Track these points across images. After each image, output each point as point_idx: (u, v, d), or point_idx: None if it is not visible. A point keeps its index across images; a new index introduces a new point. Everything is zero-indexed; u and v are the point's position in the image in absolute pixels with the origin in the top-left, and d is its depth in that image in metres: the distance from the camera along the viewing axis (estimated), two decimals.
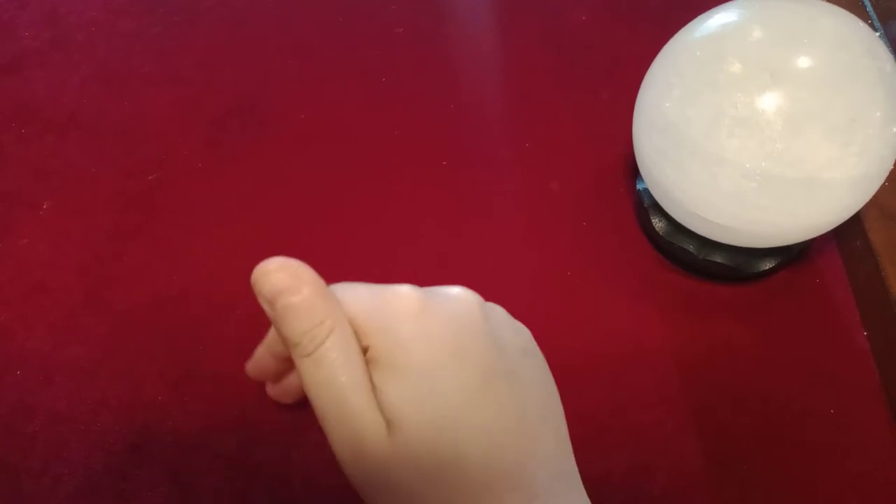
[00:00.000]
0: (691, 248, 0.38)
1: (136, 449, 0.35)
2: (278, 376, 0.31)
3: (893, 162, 0.33)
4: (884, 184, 0.33)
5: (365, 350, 0.24)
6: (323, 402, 0.24)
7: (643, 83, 0.37)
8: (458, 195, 0.44)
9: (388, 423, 0.23)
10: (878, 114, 0.31)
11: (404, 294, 0.24)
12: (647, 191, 0.40)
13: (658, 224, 0.40)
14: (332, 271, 0.42)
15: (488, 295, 0.40)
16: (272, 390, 0.32)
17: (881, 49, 0.32)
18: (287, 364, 0.30)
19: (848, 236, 0.40)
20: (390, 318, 0.24)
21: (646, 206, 0.40)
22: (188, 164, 0.46)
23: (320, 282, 0.25)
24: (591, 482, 0.30)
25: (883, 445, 0.35)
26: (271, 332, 0.29)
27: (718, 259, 0.38)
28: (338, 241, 0.42)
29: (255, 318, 0.39)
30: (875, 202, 0.37)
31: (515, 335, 0.27)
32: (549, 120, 0.48)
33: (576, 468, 0.26)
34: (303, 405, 0.36)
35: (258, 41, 0.53)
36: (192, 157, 0.46)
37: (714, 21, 0.33)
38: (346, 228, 0.43)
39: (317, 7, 0.54)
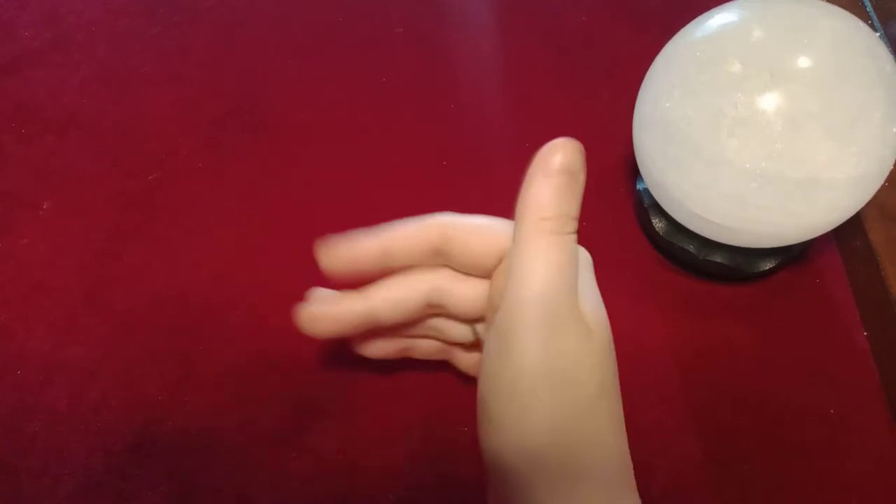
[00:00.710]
0: (691, 248, 0.38)
1: (136, 449, 0.35)
2: (355, 273, 0.29)
3: (893, 162, 0.33)
4: (884, 184, 0.33)
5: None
6: (536, 280, 0.23)
7: (643, 83, 0.37)
8: (458, 195, 0.44)
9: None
10: (878, 114, 0.31)
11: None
12: (647, 191, 0.40)
13: (658, 224, 0.40)
14: None
15: None
16: (364, 346, 0.32)
17: (881, 49, 0.32)
18: (381, 266, 0.29)
19: (848, 236, 0.40)
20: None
21: (646, 206, 0.40)
22: (188, 164, 0.46)
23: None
24: None
25: (883, 445, 0.35)
26: (400, 231, 0.28)
27: (718, 259, 0.38)
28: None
29: (255, 319, 0.39)
30: (875, 202, 0.37)
31: (602, 325, 0.29)
32: (549, 120, 0.48)
33: (631, 467, 0.26)
34: (303, 409, 0.36)
35: (258, 41, 0.53)
36: (192, 157, 0.46)
37: (714, 21, 0.33)
38: (346, 227, 0.43)
39: (317, 7, 0.54)
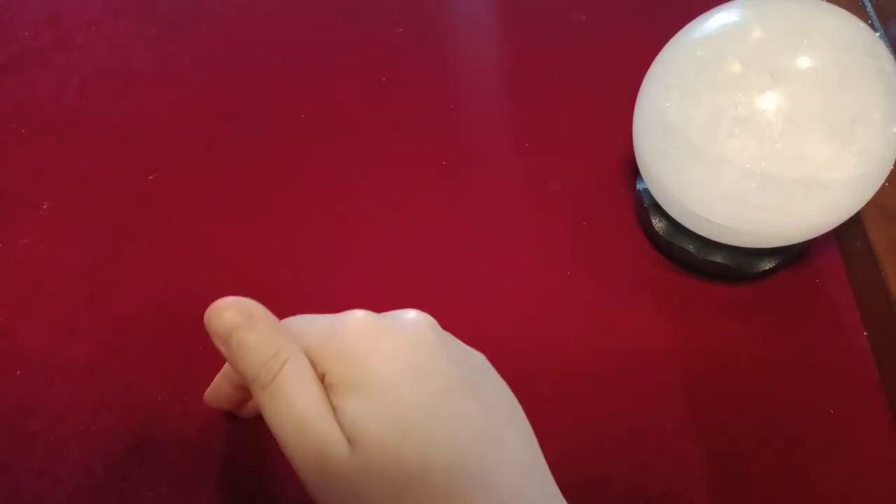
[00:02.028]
0: (691, 248, 0.38)
1: (136, 449, 0.35)
2: (238, 405, 0.33)
3: (893, 162, 0.33)
4: (884, 184, 0.33)
5: (322, 377, 0.25)
6: (284, 429, 0.24)
7: (643, 83, 0.37)
8: (458, 195, 0.44)
9: (351, 441, 0.23)
10: (878, 114, 0.31)
11: (357, 317, 0.25)
12: (647, 191, 0.40)
13: (658, 224, 0.40)
14: (333, 271, 0.42)
15: (489, 295, 0.40)
16: (212, 399, 0.33)
17: (881, 49, 0.32)
18: (245, 392, 0.31)
19: (848, 236, 0.40)
20: (344, 340, 0.25)
21: (646, 206, 0.40)
22: (188, 164, 0.46)
23: (271, 316, 0.26)
24: (591, 483, 0.30)
25: (883, 445, 0.35)
26: (227, 366, 0.30)
27: (718, 259, 0.38)
28: (338, 241, 0.42)
29: None
30: (875, 202, 0.37)
31: (470, 355, 0.27)
32: (549, 120, 0.48)
33: (550, 475, 0.26)
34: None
35: (258, 41, 0.53)
36: (192, 157, 0.46)
37: (714, 21, 0.33)
38: (346, 228, 0.43)
39: (317, 7, 0.54)
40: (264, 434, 0.35)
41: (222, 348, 0.26)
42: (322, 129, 0.47)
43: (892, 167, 0.33)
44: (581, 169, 0.45)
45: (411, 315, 0.26)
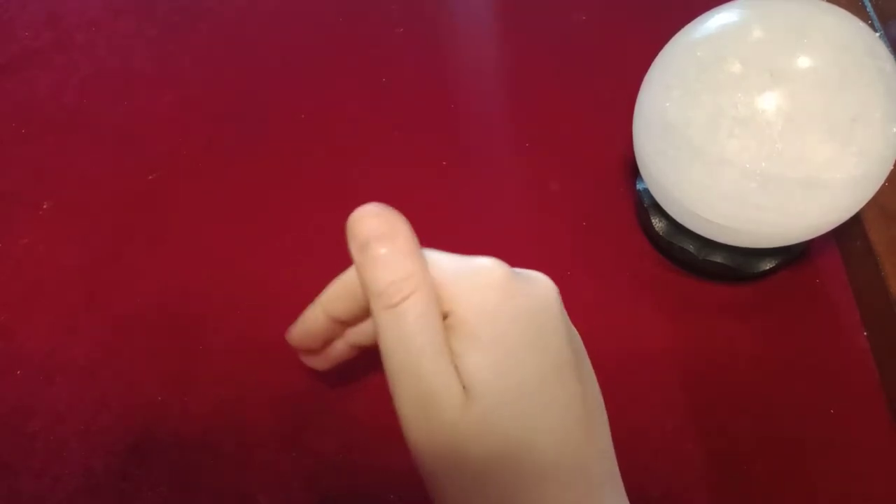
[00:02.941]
0: (691, 248, 0.38)
1: (136, 449, 0.35)
2: (323, 344, 0.31)
3: (893, 162, 0.33)
4: (884, 184, 0.33)
5: (445, 316, 0.23)
6: (398, 358, 0.23)
7: (643, 83, 0.37)
8: (458, 195, 0.44)
9: (467, 390, 0.22)
10: (878, 114, 0.31)
11: (492, 266, 0.24)
12: (647, 191, 0.40)
13: (658, 224, 0.40)
14: (333, 270, 0.42)
15: None
16: (309, 358, 0.31)
17: (881, 49, 0.32)
18: (336, 329, 0.29)
19: (848, 236, 0.40)
20: (477, 286, 0.23)
21: (646, 206, 0.40)
22: (188, 164, 0.46)
23: (414, 237, 0.24)
24: None
25: (883, 445, 0.35)
26: (331, 290, 0.29)
27: (718, 259, 0.38)
28: (338, 240, 0.42)
29: (254, 319, 0.39)
30: (875, 202, 0.37)
31: (577, 335, 0.27)
32: (549, 120, 0.48)
33: (616, 465, 0.26)
34: (304, 393, 0.36)
35: (258, 41, 0.53)
36: (192, 157, 0.46)
37: (714, 21, 0.33)
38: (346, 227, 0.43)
39: (317, 7, 0.54)
40: (264, 435, 0.35)
41: (357, 255, 0.24)
42: (322, 129, 0.47)
43: (892, 167, 0.33)
44: (581, 169, 0.45)
45: (543, 280, 0.25)
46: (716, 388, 0.36)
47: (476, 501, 0.23)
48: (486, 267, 0.24)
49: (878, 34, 0.32)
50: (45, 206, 0.44)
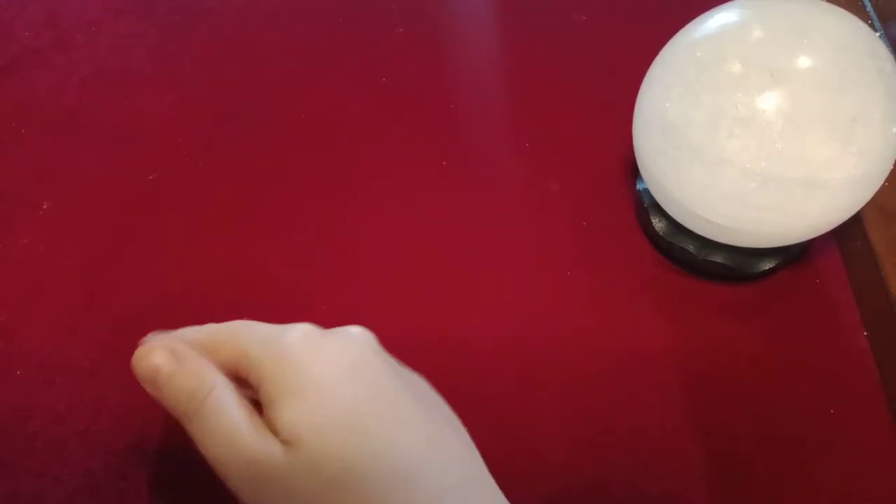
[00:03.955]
0: (691, 248, 0.38)
1: (136, 449, 0.35)
2: None
3: (893, 162, 0.33)
4: (884, 184, 0.33)
5: (259, 385, 0.25)
6: (216, 449, 0.24)
7: (643, 83, 0.37)
8: (458, 195, 0.44)
9: (287, 444, 0.24)
10: (879, 114, 0.31)
11: (299, 327, 0.26)
12: (647, 191, 0.40)
13: (658, 224, 0.40)
14: (333, 270, 0.42)
15: (489, 295, 0.40)
16: None
17: (881, 49, 0.32)
18: None
19: (848, 236, 0.40)
20: (285, 346, 0.25)
21: (646, 206, 0.40)
22: (188, 164, 0.46)
23: (191, 351, 0.26)
24: (591, 483, 0.30)
25: (882, 445, 0.35)
26: None
27: (718, 259, 0.38)
28: (338, 240, 0.42)
29: (254, 318, 0.39)
30: (875, 202, 0.37)
31: (410, 373, 0.27)
32: (549, 120, 0.48)
33: (488, 474, 0.26)
34: None
35: (258, 41, 0.53)
36: (192, 157, 0.46)
37: (714, 21, 0.33)
38: (346, 228, 0.43)
39: (316, 7, 0.54)
40: None
41: (150, 390, 0.26)
42: (322, 129, 0.47)
43: (892, 167, 0.33)
44: (581, 169, 0.45)
45: (356, 329, 0.27)
46: (716, 388, 0.36)
47: None
48: (293, 328, 0.26)
49: (878, 34, 0.32)
50: (45, 206, 0.44)
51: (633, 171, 0.43)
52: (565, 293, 0.40)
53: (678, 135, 0.33)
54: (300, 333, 0.25)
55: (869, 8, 0.48)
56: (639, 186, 0.42)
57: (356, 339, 0.26)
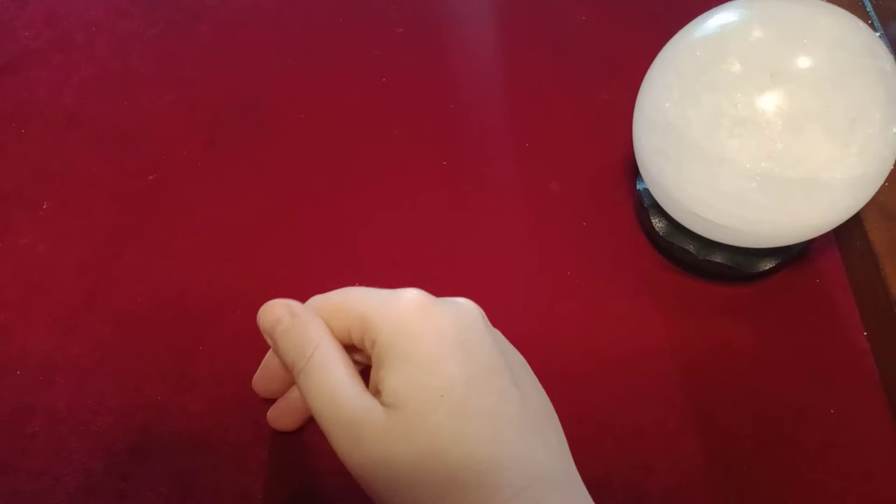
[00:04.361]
0: (691, 248, 0.38)
1: (136, 449, 0.35)
2: (281, 388, 0.34)
3: (893, 162, 0.33)
4: (884, 184, 0.33)
5: (373, 345, 0.26)
6: (319, 403, 0.26)
7: (643, 83, 0.37)
8: (457, 195, 0.44)
9: (389, 408, 0.24)
10: (878, 114, 0.31)
11: (411, 294, 0.26)
12: (647, 191, 0.40)
13: (658, 224, 0.40)
14: (333, 270, 0.42)
15: (489, 295, 0.40)
16: (274, 416, 0.34)
17: (881, 49, 0.32)
18: (288, 378, 0.32)
19: (848, 236, 0.40)
20: (397, 311, 0.26)
21: (646, 206, 0.40)
22: (188, 164, 0.46)
23: (308, 311, 0.28)
24: (591, 482, 0.30)
25: (883, 445, 0.35)
26: (270, 353, 0.32)
27: (718, 259, 0.38)
28: (338, 240, 0.42)
29: (254, 318, 0.39)
30: (875, 202, 0.37)
31: (514, 351, 0.28)
32: (549, 120, 0.48)
33: (575, 469, 0.27)
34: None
35: (258, 41, 0.53)
36: (191, 157, 0.46)
37: (714, 21, 0.33)
38: (346, 228, 0.43)
39: (317, 7, 0.54)
40: (264, 434, 0.35)
41: (269, 340, 0.29)
42: (322, 129, 0.47)
43: (892, 167, 0.33)
44: (581, 169, 0.45)
45: (464, 301, 0.28)
46: (716, 387, 0.36)
47: (412, 501, 0.24)
48: (406, 293, 0.27)
49: (878, 34, 0.32)
50: (45, 206, 0.44)
51: (633, 171, 0.43)
52: (565, 293, 0.40)
53: (678, 135, 0.33)
54: (414, 300, 0.26)
55: (869, 8, 0.48)
56: (639, 186, 0.42)
57: (467, 313, 0.27)
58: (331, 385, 0.26)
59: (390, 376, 0.25)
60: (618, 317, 0.39)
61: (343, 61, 0.51)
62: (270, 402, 0.35)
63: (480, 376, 0.25)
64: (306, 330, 0.27)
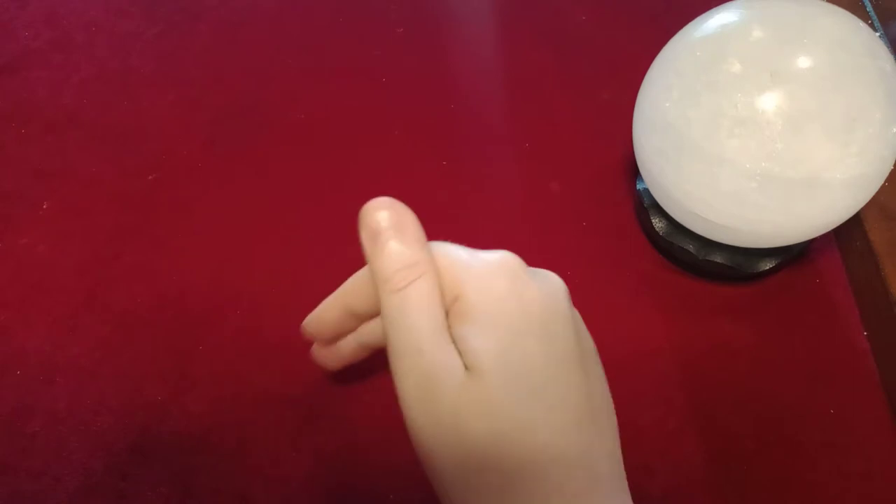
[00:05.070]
0: (691, 248, 0.38)
1: (136, 449, 0.35)
2: (335, 335, 0.31)
3: (893, 162, 0.33)
4: (884, 184, 0.33)
5: (456, 300, 0.24)
6: (401, 338, 0.23)
7: (643, 83, 0.37)
8: (458, 195, 0.44)
9: (468, 368, 0.23)
10: (878, 114, 0.31)
11: (504, 257, 0.25)
12: (647, 191, 0.40)
13: (658, 224, 0.40)
14: (333, 270, 0.42)
15: None
16: (320, 352, 0.32)
17: (881, 49, 0.32)
18: (350, 323, 0.30)
19: (848, 236, 0.40)
20: (487, 273, 0.24)
21: (646, 206, 0.40)
22: (188, 164, 0.46)
23: (420, 230, 0.25)
24: None
25: (883, 445, 0.35)
26: (349, 283, 0.29)
27: (718, 259, 0.38)
28: (338, 241, 0.42)
29: (255, 319, 0.39)
30: (875, 202, 0.37)
31: (589, 337, 0.27)
32: (549, 120, 0.48)
33: (625, 474, 0.26)
34: (311, 394, 0.35)
35: (258, 41, 0.53)
36: (191, 157, 0.46)
37: (714, 21, 0.33)
38: (346, 228, 0.43)
39: (317, 7, 0.54)
40: (264, 435, 0.35)
41: (367, 244, 0.25)
42: (321, 129, 0.47)
43: (892, 167, 0.33)
44: (581, 169, 0.45)
45: (553, 277, 0.26)
46: (716, 387, 0.36)
47: (475, 485, 0.23)
48: (498, 257, 0.25)
49: (878, 34, 0.32)
50: (45, 206, 0.44)
51: (633, 171, 0.43)
52: None
53: (678, 135, 0.33)
54: (507, 265, 0.24)
55: (869, 8, 0.48)
56: (639, 186, 0.42)
57: (556, 290, 0.25)
58: (421, 325, 0.23)
59: (474, 336, 0.23)
60: (618, 317, 0.39)
61: (343, 61, 0.51)
62: (271, 407, 0.35)
63: (558, 363, 0.24)
64: (416, 250, 0.24)
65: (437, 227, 0.43)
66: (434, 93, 0.49)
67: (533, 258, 0.41)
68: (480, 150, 0.46)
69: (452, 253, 0.25)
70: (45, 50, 0.52)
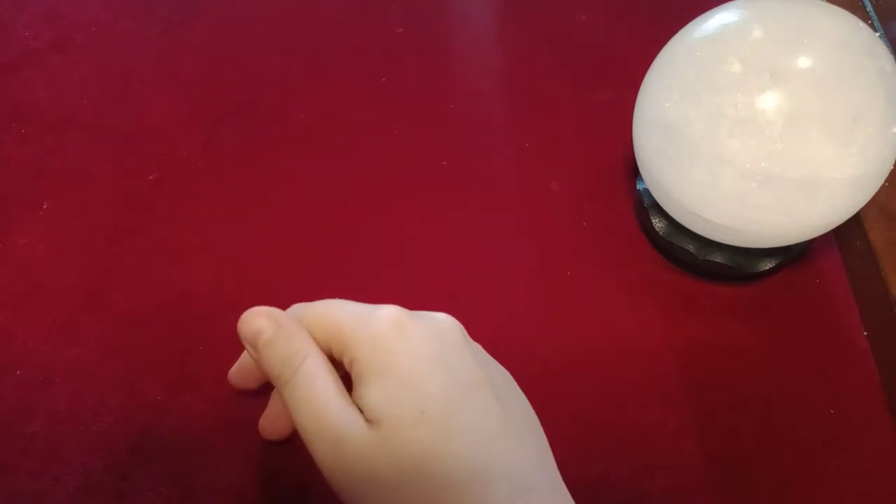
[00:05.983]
0: (691, 248, 0.38)
1: (136, 449, 0.35)
2: (257, 384, 0.33)
3: (893, 162, 0.33)
4: (884, 184, 0.33)
5: (351, 363, 0.26)
6: (304, 416, 0.26)
7: (643, 83, 0.37)
8: (458, 195, 0.44)
9: (370, 423, 0.25)
10: (879, 114, 0.31)
11: (390, 309, 0.26)
12: (647, 191, 0.40)
13: (658, 224, 0.40)
14: (333, 270, 0.42)
15: (489, 295, 0.40)
16: (265, 424, 0.34)
17: (881, 49, 0.32)
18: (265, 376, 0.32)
19: (848, 236, 0.40)
20: (375, 328, 0.26)
21: (646, 206, 0.40)
22: (188, 164, 0.46)
23: (293, 321, 0.28)
24: (591, 483, 0.30)
25: (883, 445, 0.35)
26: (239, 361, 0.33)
27: (718, 259, 0.38)
28: (338, 241, 0.42)
29: None
30: (875, 202, 0.37)
31: (496, 366, 0.28)
32: (549, 120, 0.48)
33: (561, 480, 0.27)
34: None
35: (258, 41, 0.53)
36: (192, 157, 0.46)
37: (714, 21, 0.33)
38: (346, 228, 0.43)
39: (317, 7, 0.54)
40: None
41: (251, 351, 0.28)
42: (321, 129, 0.47)
43: (892, 167, 0.33)
44: (581, 169, 0.45)
45: (445, 316, 0.28)
46: (716, 387, 0.36)
47: None
48: (384, 310, 0.27)
49: (878, 34, 0.32)
50: (45, 206, 0.44)
51: (633, 171, 0.43)
52: (565, 293, 0.40)
53: (678, 135, 0.33)
54: (391, 318, 0.26)
55: (869, 8, 0.48)
56: (639, 186, 0.42)
57: (445, 328, 0.27)
58: (317, 399, 0.25)
59: (370, 392, 0.25)
60: (618, 317, 0.39)
61: (343, 61, 0.51)
62: (266, 400, 0.35)
63: (461, 392, 0.25)
64: (293, 341, 0.27)
65: (437, 227, 0.43)
66: (434, 93, 0.49)
67: (533, 258, 0.41)
68: (480, 150, 0.46)
69: (342, 318, 0.27)
70: (45, 50, 0.52)
